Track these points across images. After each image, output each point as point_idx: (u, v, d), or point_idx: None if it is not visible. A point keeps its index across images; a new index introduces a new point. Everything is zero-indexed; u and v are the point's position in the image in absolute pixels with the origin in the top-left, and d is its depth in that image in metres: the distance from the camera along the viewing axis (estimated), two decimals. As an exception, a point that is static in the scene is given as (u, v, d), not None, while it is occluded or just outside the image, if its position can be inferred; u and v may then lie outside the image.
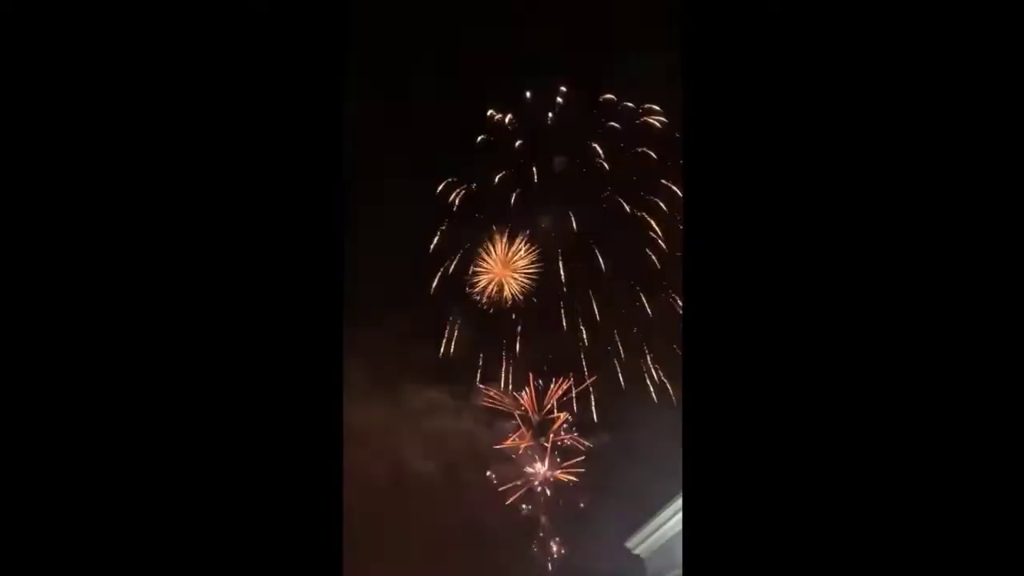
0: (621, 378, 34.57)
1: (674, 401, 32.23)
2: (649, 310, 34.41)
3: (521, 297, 36.17)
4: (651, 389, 33.82)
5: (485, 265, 36.88)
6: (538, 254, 36.21)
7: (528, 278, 36.30)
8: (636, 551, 22.28)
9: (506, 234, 36.68)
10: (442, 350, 35.45)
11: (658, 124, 34.81)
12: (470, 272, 36.45)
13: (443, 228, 36.42)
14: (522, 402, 35.37)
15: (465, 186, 36.76)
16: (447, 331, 35.70)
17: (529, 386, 35.24)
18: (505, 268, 36.72)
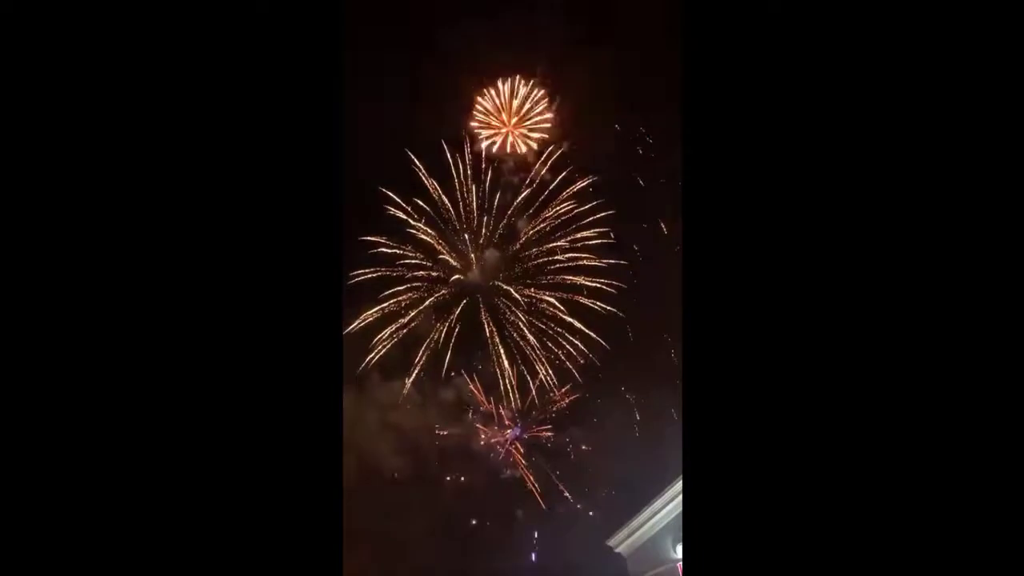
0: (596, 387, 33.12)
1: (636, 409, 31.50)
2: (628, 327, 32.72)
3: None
4: (625, 391, 32.74)
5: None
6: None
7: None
8: (617, 549, 22.33)
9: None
10: (418, 344, 33.22)
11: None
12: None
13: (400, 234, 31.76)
14: (483, 398, 33.53)
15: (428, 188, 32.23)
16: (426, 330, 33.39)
17: (504, 379, 33.60)
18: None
